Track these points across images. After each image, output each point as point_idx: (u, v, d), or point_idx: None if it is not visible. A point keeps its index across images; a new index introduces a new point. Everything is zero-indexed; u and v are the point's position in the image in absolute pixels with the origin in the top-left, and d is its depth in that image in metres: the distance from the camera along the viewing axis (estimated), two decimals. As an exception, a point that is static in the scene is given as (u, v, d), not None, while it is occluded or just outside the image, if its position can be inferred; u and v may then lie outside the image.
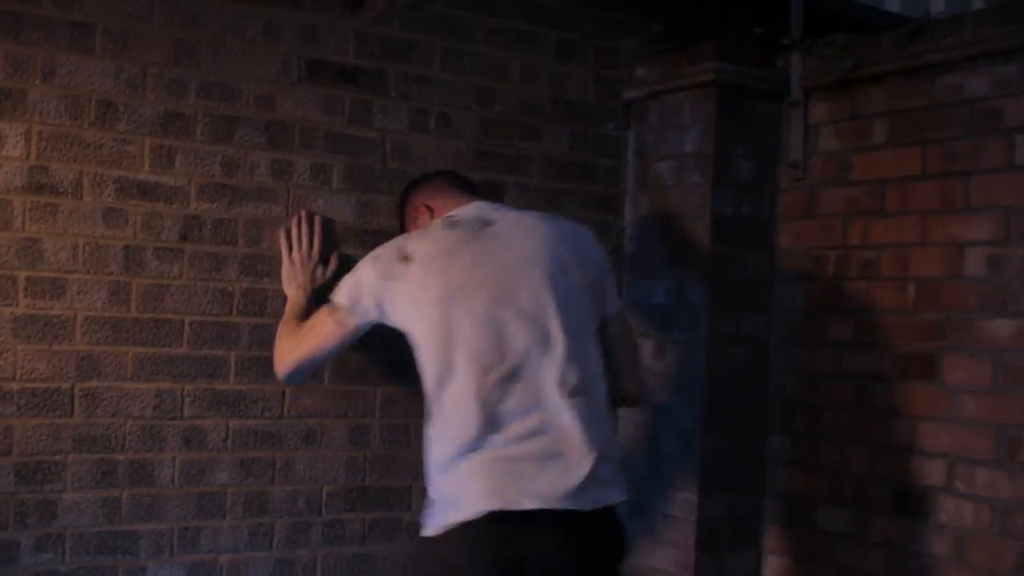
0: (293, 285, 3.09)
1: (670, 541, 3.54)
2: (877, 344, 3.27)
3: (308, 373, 2.92)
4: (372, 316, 2.65)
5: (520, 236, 2.62)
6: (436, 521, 2.50)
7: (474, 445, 2.45)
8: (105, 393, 2.93)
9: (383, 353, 3.24)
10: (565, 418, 2.48)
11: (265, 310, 3.13)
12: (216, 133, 3.07)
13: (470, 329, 2.49)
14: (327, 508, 3.24)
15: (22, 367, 2.84)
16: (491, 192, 3.41)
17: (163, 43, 3.00)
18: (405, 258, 2.58)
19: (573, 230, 2.76)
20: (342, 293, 2.69)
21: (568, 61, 3.67)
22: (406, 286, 2.56)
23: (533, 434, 2.46)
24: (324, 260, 3.14)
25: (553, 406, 2.48)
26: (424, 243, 2.62)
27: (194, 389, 3.05)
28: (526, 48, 3.58)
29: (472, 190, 2.91)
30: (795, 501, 3.52)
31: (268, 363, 3.10)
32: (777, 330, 3.59)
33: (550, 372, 2.49)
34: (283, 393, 3.16)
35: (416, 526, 3.32)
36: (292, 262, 3.10)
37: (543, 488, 2.42)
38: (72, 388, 2.90)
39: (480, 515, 2.41)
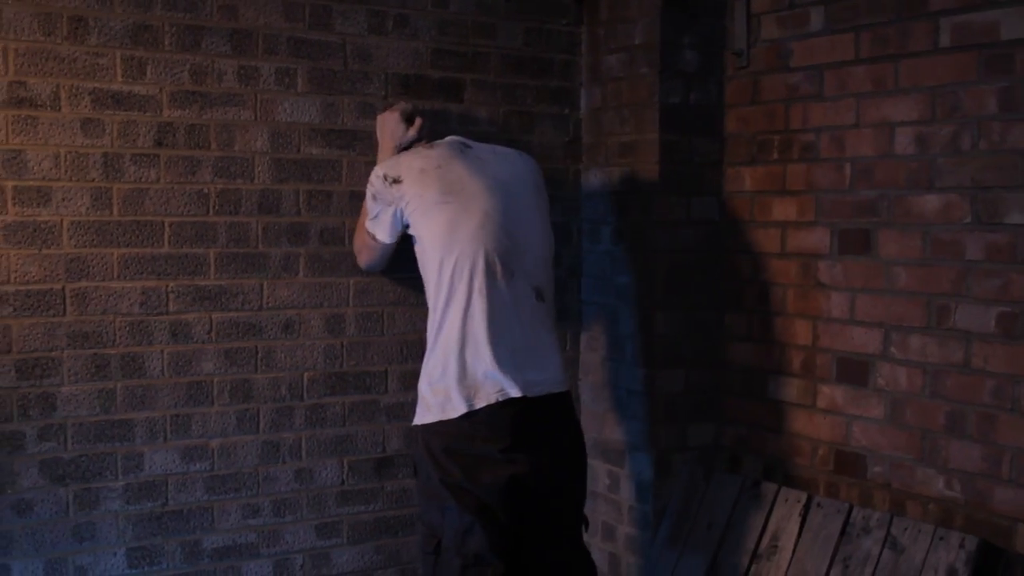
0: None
1: (634, 415, 3.75)
2: (818, 223, 3.44)
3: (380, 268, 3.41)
4: (400, 232, 3.12)
5: (501, 161, 3.12)
6: (451, 407, 2.89)
7: (480, 338, 2.88)
8: (94, 292, 3.11)
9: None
10: (537, 319, 3.00)
11: (240, 209, 3.30)
12: (183, 43, 3.20)
13: (473, 228, 2.91)
14: (308, 393, 3.44)
15: (15, 271, 3.01)
16: (451, 90, 3.58)
17: (128, -43, 3.11)
18: (395, 181, 3.03)
19: (533, 162, 3.24)
20: (373, 225, 3.15)
21: (521, -41, 3.76)
22: (407, 202, 3.01)
23: (523, 331, 2.95)
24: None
25: (530, 308, 2.97)
26: (410, 161, 3.07)
27: (177, 286, 3.22)
28: (479, -52, 3.68)
29: None
30: (749, 373, 3.72)
31: (246, 259, 3.29)
32: (727, 212, 3.75)
33: (528, 276, 2.98)
34: (261, 286, 3.34)
35: (394, 407, 3.55)
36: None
37: (535, 378, 2.93)
38: (63, 289, 3.07)
39: (498, 401, 2.88)
